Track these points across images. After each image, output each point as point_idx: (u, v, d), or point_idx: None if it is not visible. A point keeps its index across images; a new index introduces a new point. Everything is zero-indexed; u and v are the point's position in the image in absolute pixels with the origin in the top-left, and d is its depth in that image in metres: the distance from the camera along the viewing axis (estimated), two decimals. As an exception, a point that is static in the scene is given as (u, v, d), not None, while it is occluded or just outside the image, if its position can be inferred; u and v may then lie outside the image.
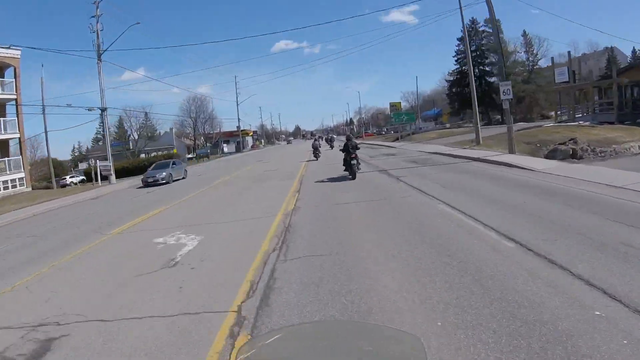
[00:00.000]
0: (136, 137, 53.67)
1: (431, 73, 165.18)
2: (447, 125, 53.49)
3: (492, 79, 49.32)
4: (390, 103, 72.03)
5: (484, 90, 48.16)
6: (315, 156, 23.89)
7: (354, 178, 12.13)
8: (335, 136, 57.08)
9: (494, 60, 49.37)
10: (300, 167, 20.38)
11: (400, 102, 74.55)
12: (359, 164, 12.81)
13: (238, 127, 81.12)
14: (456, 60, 50.14)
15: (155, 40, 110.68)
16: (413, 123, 36.22)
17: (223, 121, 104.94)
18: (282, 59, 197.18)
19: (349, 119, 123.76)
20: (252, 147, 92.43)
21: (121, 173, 37.73)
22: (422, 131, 36.80)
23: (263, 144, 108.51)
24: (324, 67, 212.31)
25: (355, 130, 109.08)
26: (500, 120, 48.32)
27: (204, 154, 53.14)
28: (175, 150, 43.72)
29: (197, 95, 65.01)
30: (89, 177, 41.19)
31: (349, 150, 12.36)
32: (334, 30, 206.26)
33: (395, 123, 34.66)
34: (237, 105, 65.15)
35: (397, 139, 41.84)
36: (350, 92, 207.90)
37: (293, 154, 36.36)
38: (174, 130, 68.54)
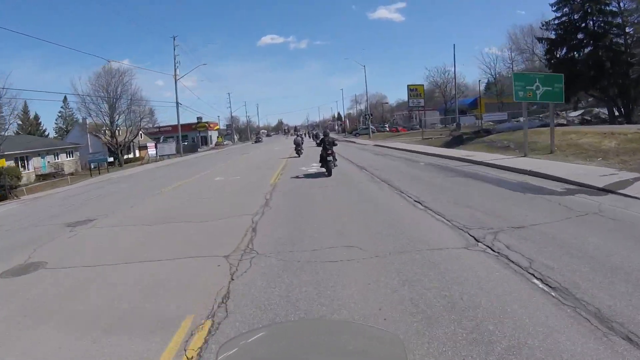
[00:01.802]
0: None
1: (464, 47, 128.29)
2: (521, 119, 31.10)
3: (622, 40, 27.25)
4: (408, 86, 48.39)
5: (612, 58, 26.13)
6: (297, 153, 22.75)
7: (329, 174, 12.02)
8: (323, 133, 35.46)
9: (622, 6, 27.29)
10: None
11: (422, 85, 51.71)
12: (335, 160, 12.73)
13: (196, 118, 57.89)
14: (556, 5, 28.08)
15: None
16: (559, 104, 14.09)
17: (157, 108, 79.92)
18: (268, 50, 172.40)
19: (337, 113, 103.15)
20: (215, 145, 69.13)
21: None
22: (518, 128, 13.22)
23: (235, 140, 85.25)
24: (314, 52, 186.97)
25: (347, 125, 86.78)
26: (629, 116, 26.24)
27: (100, 160, 29.32)
28: (3, 161, 20.19)
29: (113, 67, 39.83)
30: None
31: (326, 147, 12.34)
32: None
33: (520, 99, 12.16)
34: (176, 81, 41.29)
35: (473, 139, 19.29)
36: (346, 74, 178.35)
37: (239, 181, 13.74)
38: (87, 121, 44.39)
